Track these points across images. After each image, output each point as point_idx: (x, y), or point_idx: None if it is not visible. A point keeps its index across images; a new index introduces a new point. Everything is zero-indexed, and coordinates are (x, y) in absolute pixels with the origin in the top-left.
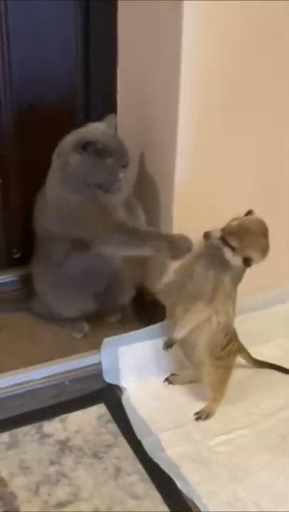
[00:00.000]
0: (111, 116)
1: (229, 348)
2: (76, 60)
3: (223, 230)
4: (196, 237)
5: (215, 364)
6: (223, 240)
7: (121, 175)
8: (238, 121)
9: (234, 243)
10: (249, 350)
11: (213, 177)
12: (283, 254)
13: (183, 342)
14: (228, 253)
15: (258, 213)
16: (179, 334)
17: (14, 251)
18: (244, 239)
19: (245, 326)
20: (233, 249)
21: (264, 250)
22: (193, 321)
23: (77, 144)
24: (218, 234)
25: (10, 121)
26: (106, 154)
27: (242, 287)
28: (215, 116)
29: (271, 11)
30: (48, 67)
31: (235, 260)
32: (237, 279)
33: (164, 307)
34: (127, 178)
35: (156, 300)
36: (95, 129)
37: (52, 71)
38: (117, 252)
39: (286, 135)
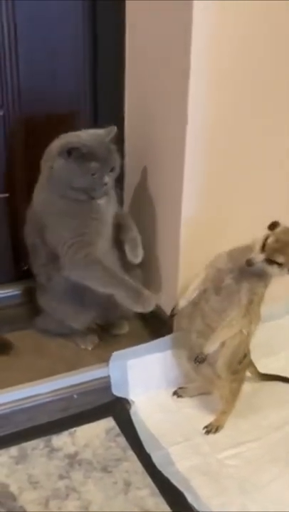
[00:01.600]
0: (112, 127)
1: (245, 361)
2: (84, 75)
3: (265, 250)
4: (204, 261)
5: (230, 378)
6: (269, 260)
7: (107, 178)
8: (246, 147)
9: (280, 259)
10: (258, 363)
11: (221, 203)
12: None
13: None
14: (274, 269)
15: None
16: (212, 348)
17: (22, 264)
18: (287, 252)
19: (254, 339)
20: (280, 265)
21: None
22: (228, 334)
23: (62, 149)
24: (259, 257)
25: (18, 137)
26: (91, 158)
27: None
28: (224, 141)
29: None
30: (56, 81)
31: (282, 273)
32: (268, 285)
33: (171, 320)
34: (132, 200)
35: (163, 313)
36: (83, 134)
37: (61, 85)
38: (82, 281)
39: None
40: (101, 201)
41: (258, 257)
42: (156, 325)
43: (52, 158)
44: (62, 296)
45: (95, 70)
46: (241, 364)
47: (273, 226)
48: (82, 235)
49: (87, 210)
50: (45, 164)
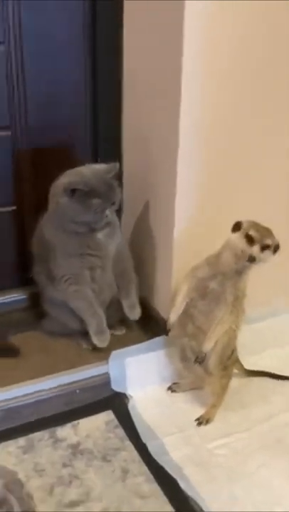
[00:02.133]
0: (114, 164)
1: (232, 357)
2: (85, 104)
3: (254, 242)
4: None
5: (220, 374)
6: (263, 247)
7: (108, 212)
8: (244, 147)
9: (269, 242)
10: (244, 361)
11: (212, 224)
12: (274, 275)
13: (193, 355)
14: (267, 254)
15: None
16: (209, 346)
17: (28, 271)
18: (271, 235)
19: (240, 339)
20: (269, 247)
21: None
22: (221, 331)
23: (66, 189)
24: (256, 249)
25: (25, 159)
26: (93, 195)
27: None
28: (220, 142)
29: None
30: (60, 109)
31: (271, 255)
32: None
33: (164, 322)
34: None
35: (158, 315)
36: (86, 171)
37: (63, 112)
38: (68, 304)
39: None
40: (100, 235)
41: (255, 250)
42: (151, 326)
43: (58, 194)
44: (63, 303)
45: (95, 94)
46: (230, 360)
47: (238, 226)
48: (77, 273)
49: (87, 246)
50: (52, 199)
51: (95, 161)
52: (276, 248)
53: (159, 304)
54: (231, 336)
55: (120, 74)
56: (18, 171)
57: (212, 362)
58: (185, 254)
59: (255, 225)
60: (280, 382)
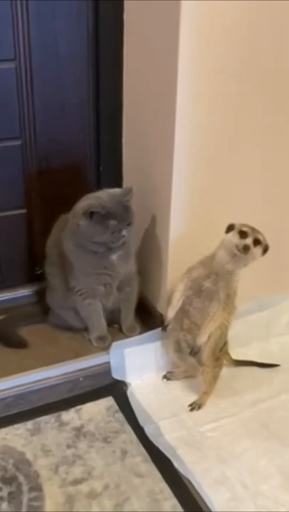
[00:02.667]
0: (129, 188)
1: (224, 349)
2: (89, 116)
3: (247, 235)
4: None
5: (213, 364)
6: (255, 241)
7: (124, 232)
8: (235, 157)
9: (261, 237)
10: (234, 352)
11: (205, 226)
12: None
13: (188, 347)
14: (258, 250)
15: None
16: (203, 339)
17: (37, 268)
18: (260, 233)
19: (230, 332)
20: (260, 242)
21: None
22: (214, 326)
23: (86, 212)
24: (249, 240)
25: (34, 167)
26: (110, 217)
27: None
28: (211, 151)
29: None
30: (66, 121)
31: (260, 253)
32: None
33: (160, 316)
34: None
35: (155, 309)
36: (103, 195)
37: (69, 123)
38: (79, 311)
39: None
40: (114, 257)
41: (248, 241)
42: (148, 320)
43: (78, 216)
44: (64, 303)
45: (98, 107)
46: (221, 351)
47: (231, 227)
48: (93, 287)
49: (103, 267)
50: (72, 220)
51: (98, 168)
52: (266, 248)
53: (156, 300)
54: (223, 330)
55: (121, 86)
56: (27, 178)
57: (206, 353)
58: (180, 254)
59: (247, 225)
60: (267, 371)
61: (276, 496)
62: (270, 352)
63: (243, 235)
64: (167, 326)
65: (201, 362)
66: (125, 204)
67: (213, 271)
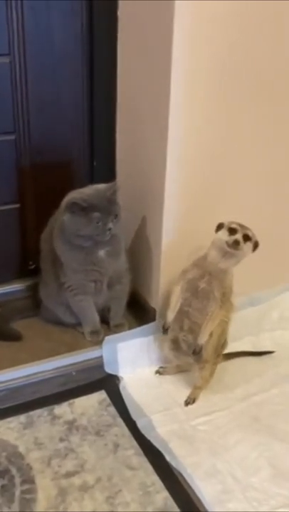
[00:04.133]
0: (114, 182)
1: (224, 345)
2: (83, 110)
3: (236, 231)
4: (182, 260)
5: (214, 361)
6: (244, 236)
7: (110, 224)
8: (228, 160)
9: (251, 233)
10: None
11: (197, 224)
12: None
13: (187, 347)
14: (247, 246)
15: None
16: (204, 339)
17: (30, 263)
18: (251, 231)
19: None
20: (249, 238)
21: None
22: (213, 325)
23: (67, 205)
24: (239, 236)
25: (28, 162)
26: (92, 209)
27: None
28: (204, 154)
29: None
30: (60, 115)
31: (248, 247)
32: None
33: (154, 310)
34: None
35: (148, 304)
36: (87, 190)
37: (63, 118)
38: (71, 306)
39: (273, 192)
40: (102, 253)
41: (238, 236)
42: (141, 315)
43: (62, 212)
44: (57, 298)
45: (92, 102)
46: (222, 347)
47: (221, 226)
48: (83, 284)
49: (91, 263)
50: (59, 217)
51: (91, 163)
52: (256, 244)
53: (149, 295)
54: (224, 327)
55: (115, 81)
56: (21, 172)
57: (208, 351)
58: (173, 249)
59: (236, 222)
60: (258, 365)
61: (266, 488)
62: (262, 347)
63: (232, 231)
64: (168, 329)
65: (201, 360)
66: (109, 197)
67: (206, 271)
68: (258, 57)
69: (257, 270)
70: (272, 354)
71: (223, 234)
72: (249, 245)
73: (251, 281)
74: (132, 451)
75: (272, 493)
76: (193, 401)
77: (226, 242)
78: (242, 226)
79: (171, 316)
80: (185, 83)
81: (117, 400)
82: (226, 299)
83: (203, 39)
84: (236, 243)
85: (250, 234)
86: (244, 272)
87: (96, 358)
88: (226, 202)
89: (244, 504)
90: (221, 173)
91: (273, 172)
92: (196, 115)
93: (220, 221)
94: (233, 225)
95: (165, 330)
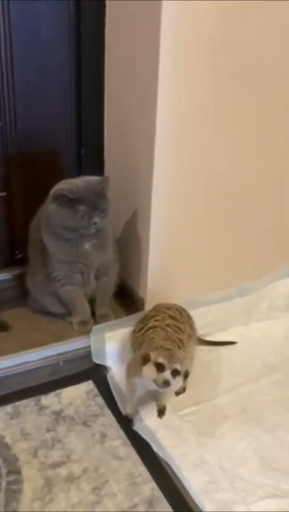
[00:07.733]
0: (106, 177)
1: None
2: (70, 98)
3: (164, 368)
4: (169, 252)
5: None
6: (173, 372)
7: (96, 219)
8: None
9: (179, 366)
10: (214, 336)
11: (183, 217)
12: (239, 262)
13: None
14: (179, 380)
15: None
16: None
17: (17, 252)
18: (178, 357)
19: (209, 317)
20: (178, 372)
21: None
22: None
23: (54, 196)
24: (167, 374)
25: (15, 150)
26: (78, 202)
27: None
28: (189, 167)
29: None
30: (47, 102)
31: (178, 380)
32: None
33: (142, 300)
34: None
35: (136, 293)
36: (77, 181)
37: (50, 105)
38: (60, 296)
39: (260, 188)
40: (88, 246)
41: (166, 375)
42: (129, 304)
43: (49, 202)
44: (45, 288)
45: (80, 90)
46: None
47: (147, 358)
48: (70, 275)
49: (76, 255)
50: (46, 207)
51: (79, 152)
52: (186, 374)
53: (137, 284)
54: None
55: (103, 70)
56: (7, 160)
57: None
58: (161, 239)
59: (163, 352)
60: (246, 356)
61: (253, 478)
62: (250, 337)
63: (159, 368)
64: (131, 420)
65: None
66: (99, 191)
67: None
68: (246, 48)
69: (246, 261)
70: (261, 344)
71: (150, 369)
72: (179, 379)
73: (240, 271)
74: (120, 442)
75: (259, 484)
76: (184, 390)
77: (155, 381)
78: (170, 356)
79: (131, 407)
80: (173, 71)
81: (105, 391)
82: (190, 340)
83: (192, 27)
84: (166, 384)
85: (178, 368)
86: (233, 262)
87: (83, 348)
88: (215, 191)
89: (231, 494)
90: (210, 163)
91: (262, 161)
92: (184, 104)
93: (208, 210)
94: (160, 360)
95: (129, 421)
